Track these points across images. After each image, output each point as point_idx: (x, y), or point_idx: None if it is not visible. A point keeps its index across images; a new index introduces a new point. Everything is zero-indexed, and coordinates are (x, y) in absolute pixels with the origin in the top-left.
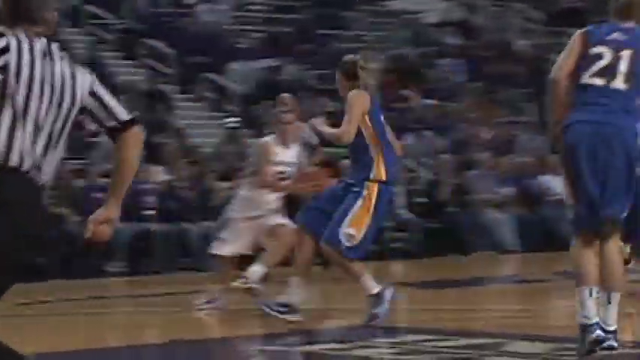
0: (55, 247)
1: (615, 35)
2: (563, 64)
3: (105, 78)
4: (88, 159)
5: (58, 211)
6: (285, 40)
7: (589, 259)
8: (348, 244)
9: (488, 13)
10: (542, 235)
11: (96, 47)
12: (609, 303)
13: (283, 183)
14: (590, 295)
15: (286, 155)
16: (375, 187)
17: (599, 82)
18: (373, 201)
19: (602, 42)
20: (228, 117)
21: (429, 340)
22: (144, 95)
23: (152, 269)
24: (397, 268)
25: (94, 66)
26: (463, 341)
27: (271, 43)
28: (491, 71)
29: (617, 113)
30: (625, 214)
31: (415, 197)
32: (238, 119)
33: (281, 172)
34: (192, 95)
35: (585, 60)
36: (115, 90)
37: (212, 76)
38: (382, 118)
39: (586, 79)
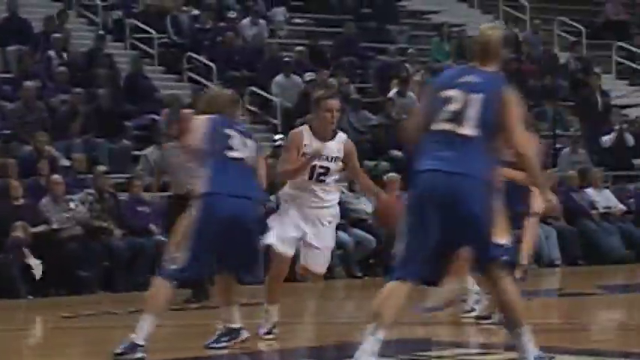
0: (99, 260)
1: (468, 78)
2: (412, 122)
3: (148, 92)
4: (132, 172)
5: (101, 225)
6: (327, 53)
7: (397, 300)
8: (173, 266)
9: (532, 26)
10: (583, 248)
11: (139, 61)
12: (519, 337)
13: None
14: (373, 333)
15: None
16: (197, 203)
17: (447, 127)
18: (193, 218)
19: (454, 85)
20: (275, 134)
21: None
22: (187, 109)
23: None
24: None
25: (138, 80)
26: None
27: (314, 57)
28: (534, 84)
29: (464, 162)
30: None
31: None
32: (283, 136)
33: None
34: None
35: (435, 104)
36: (159, 104)
37: (255, 89)
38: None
39: (435, 124)
